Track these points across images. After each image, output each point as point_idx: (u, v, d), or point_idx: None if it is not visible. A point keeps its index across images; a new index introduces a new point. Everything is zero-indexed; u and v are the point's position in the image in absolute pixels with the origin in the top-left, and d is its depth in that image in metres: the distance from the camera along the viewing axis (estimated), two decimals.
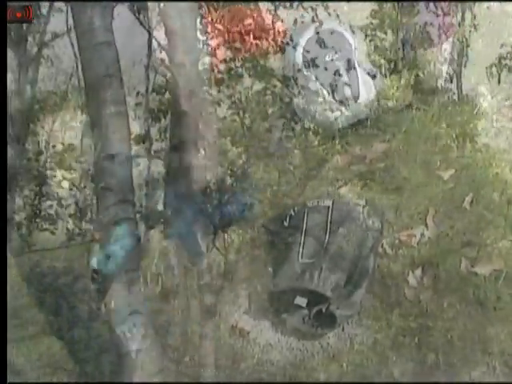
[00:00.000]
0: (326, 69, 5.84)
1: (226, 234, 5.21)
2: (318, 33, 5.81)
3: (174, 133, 5.30)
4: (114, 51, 4.52)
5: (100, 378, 5.22)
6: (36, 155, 5.59)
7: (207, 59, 5.54)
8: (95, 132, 4.60)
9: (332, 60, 5.83)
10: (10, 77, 5.74)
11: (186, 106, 5.06)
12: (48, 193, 5.54)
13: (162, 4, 5.03)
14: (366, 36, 5.97)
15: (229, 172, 5.46)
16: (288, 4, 5.81)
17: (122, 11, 5.53)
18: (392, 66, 6.03)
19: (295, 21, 5.87)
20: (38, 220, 5.49)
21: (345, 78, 5.83)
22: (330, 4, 5.82)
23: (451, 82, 6.17)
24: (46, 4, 5.80)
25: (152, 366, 4.80)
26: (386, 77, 6.04)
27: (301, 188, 5.60)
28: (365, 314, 5.16)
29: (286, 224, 5.36)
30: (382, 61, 6.00)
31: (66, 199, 5.55)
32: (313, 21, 5.85)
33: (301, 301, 5.06)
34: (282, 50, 5.80)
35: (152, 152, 5.70)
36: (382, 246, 5.37)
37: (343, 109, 5.81)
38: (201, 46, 5.48)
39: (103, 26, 4.48)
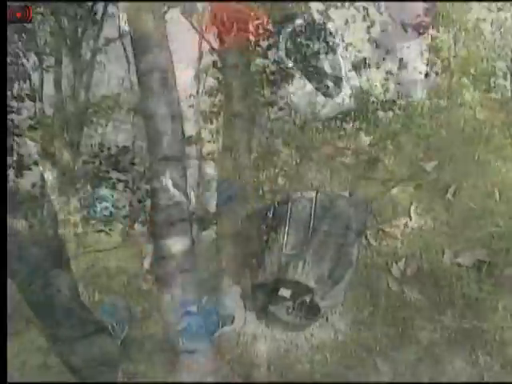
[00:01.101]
0: (309, 61, 5.75)
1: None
2: (299, 26, 5.73)
3: (226, 134, 5.33)
4: (168, 55, 4.59)
5: (153, 377, 5.28)
6: (92, 158, 5.69)
7: (259, 60, 5.55)
8: (149, 134, 4.68)
9: (315, 52, 5.74)
10: (65, 82, 5.87)
11: (238, 107, 5.09)
12: (103, 194, 5.64)
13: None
14: (419, 34, 5.90)
15: (282, 172, 5.48)
16: (339, 4, 5.79)
17: (174, 15, 5.61)
18: (446, 63, 5.96)
19: (346, 21, 5.85)
20: (93, 221, 5.59)
21: (328, 70, 5.75)
22: (382, 3, 5.78)
23: (505, 79, 6.03)
24: (100, 10, 5.91)
25: (206, 365, 4.86)
26: (437, 74, 5.96)
27: (352, 188, 5.57)
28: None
29: (269, 215, 5.31)
30: (436, 59, 5.94)
31: (121, 201, 5.64)
32: (364, 20, 5.81)
33: (285, 292, 5.04)
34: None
35: (204, 154, 5.75)
36: (366, 238, 5.36)
37: (326, 100, 5.71)
38: (252, 47, 5.50)
39: (157, 31, 4.56)
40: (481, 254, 5.25)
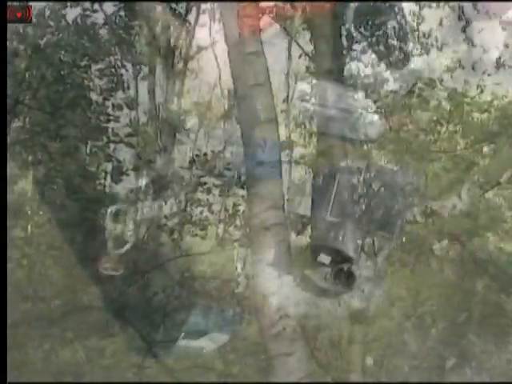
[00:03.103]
0: (373, 34, 5.59)
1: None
2: (392, 28, 5.59)
3: (320, 138, 5.33)
4: (263, 61, 4.64)
5: (246, 379, 5.33)
6: (188, 163, 5.80)
7: (353, 64, 5.52)
8: (245, 139, 4.74)
9: (382, 25, 5.59)
10: (158, 90, 6.03)
11: (332, 111, 5.08)
12: (199, 199, 5.74)
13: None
14: None
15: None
16: (434, 4, 5.68)
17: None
18: None
19: (441, 21, 5.73)
20: (189, 226, 5.70)
21: (394, 42, 5.58)
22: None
23: None
24: (192, 20, 6.03)
25: (300, 369, 4.85)
26: None
27: (448, 192, 5.46)
28: None
29: (319, 182, 5.26)
30: None
31: (216, 205, 5.72)
32: (459, 19, 5.68)
33: (324, 258, 4.99)
34: (427, 51, 5.67)
35: (296, 158, 5.77)
36: (413, 214, 5.24)
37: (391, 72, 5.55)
38: (346, 51, 5.47)
39: (252, 37, 4.62)
40: None
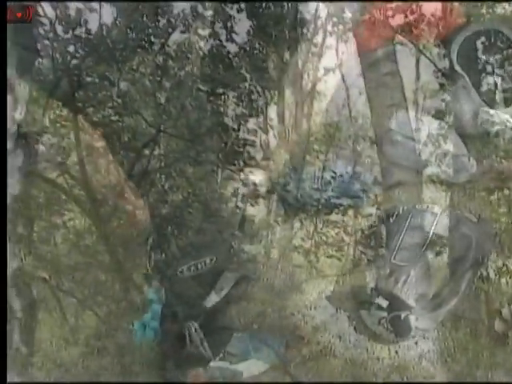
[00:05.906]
0: (479, 70, 5.30)
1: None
2: (475, 33, 5.30)
3: (454, 156, 5.22)
4: (399, 80, 4.64)
5: None
6: (322, 185, 5.85)
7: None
8: (382, 160, 4.74)
9: (489, 62, 5.30)
10: (287, 114, 6.15)
11: (468, 128, 4.98)
12: (335, 221, 5.77)
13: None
14: None
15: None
16: None
17: None
18: None
19: None
20: (325, 247, 5.74)
21: (498, 81, 5.26)
22: None
23: None
24: (319, 41, 6.11)
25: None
26: None
27: None
28: None
29: (391, 220, 5.04)
30: None
31: (352, 226, 5.73)
32: None
33: (382, 301, 4.81)
34: None
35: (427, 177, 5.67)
36: (487, 270, 4.88)
37: (492, 113, 5.22)
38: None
39: (387, 57, 4.64)
40: None
